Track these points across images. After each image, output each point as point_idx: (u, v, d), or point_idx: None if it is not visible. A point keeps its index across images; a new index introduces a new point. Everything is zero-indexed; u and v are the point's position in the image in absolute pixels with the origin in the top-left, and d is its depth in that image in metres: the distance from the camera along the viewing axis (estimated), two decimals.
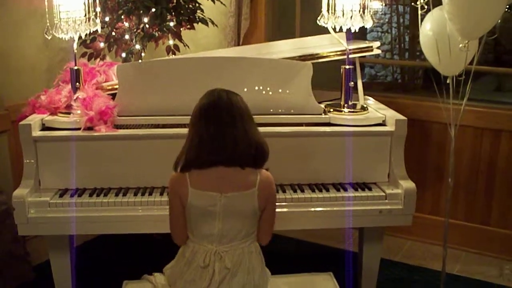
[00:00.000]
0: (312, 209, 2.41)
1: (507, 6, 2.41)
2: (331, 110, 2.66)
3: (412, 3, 2.57)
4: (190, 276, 1.96)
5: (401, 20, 5.71)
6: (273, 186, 2.00)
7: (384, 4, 5.58)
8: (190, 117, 1.99)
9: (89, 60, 3.16)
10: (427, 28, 2.59)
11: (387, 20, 5.86)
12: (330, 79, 3.26)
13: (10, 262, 2.94)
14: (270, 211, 2.01)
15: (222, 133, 1.90)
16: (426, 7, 2.52)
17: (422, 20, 2.62)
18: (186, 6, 3.32)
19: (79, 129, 2.43)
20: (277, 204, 2.25)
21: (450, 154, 2.67)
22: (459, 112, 2.58)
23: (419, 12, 2.56)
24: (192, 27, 3.40)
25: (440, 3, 2.50)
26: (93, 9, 2.52)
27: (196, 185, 1.92)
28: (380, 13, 5.73)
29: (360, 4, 2.50)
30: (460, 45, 2.39)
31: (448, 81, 2.56)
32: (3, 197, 2.90)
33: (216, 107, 1.93)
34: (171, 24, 3.24)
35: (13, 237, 2.92)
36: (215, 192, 1.91)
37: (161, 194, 2.40)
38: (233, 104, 1.94)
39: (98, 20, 2.57)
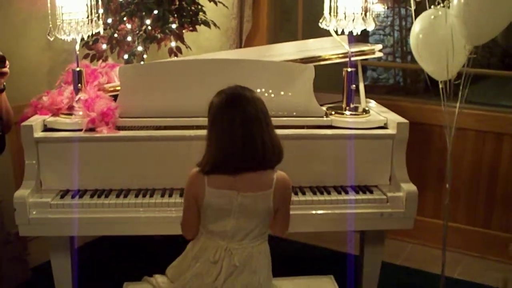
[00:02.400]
0: (314, 212, 2.40)
1: None
2: (333, 112, 2.66)
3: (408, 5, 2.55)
4: (197, 270, 1.95)
5: (404, 23, 5.71)
6: (290, 186, 1.99)
7: (386, 7, 5.58)
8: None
9: (91, 61, 3.16)
10: (416, 30, 2.57)
11: (389, 23, 5.86)
12: (332, 81, 3.26)
13: (4, 263, 2.93)
14: (284, 211, 2.00)
15: (253, 140, 1.86)
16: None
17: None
18: (189, 8, 3.33)
19: (80, 130, 2.43)
20: None
21: (448, 158, 2.65)
22: (455, 115, 2.57)
23: (413, 10, 2.55)
24: (194, 29, 3.41)
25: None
26: (95, 10, 2.52)
27: (213, 184, 1.91)
28: (383, 16, 5.73)
29: (362, 7, 2.50)
30: (467, 52, 2.39)
31: (441, 86, 2.55)
32: None
33: (244, 108, 1.88)
34: (173, 26, 3.25)
35: (6, 238, 2.92)
36: (232, 190, 1.90)
37: (162, 195, 2.40)
38: (258, 105, 1.91)
39: (100, 22, 2.57)
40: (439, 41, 2.45)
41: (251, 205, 1.92)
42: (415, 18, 2.56)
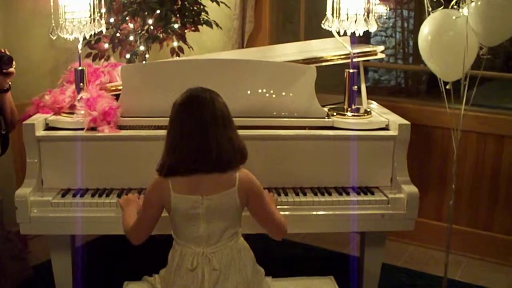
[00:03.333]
0: (314, 213, 2.40)
1: None
2: (335, 113, 2.65)
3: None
4: (182, 281, 1.95)
5: (405, 25, 5.71)
6: (253, 181, 1.98)
7: (388, 9, 5.59)
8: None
9: (93, 60, 3.17)
10: (425, 32, 2.57)
11: (391, 24, 5.86)
12: (333, 82, 3.26)
13: (4, 261, 2.93)
14: (258, 204, 2.00)
15: (207, 141, 1.87)
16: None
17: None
18: (191, 8, 3.33)
19: (82, 129, 2.43)
20: (279, 207, 2.26)
21: (454, 159, 2.65)
22: (459, 117, 2.58)
23: (426, 10, 2.55)
24: (197, 29, 3.41)
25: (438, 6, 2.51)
26: (98, 10, 2.52)
27: (177, 189, 1.92)
28: (385, 17, 5.73)
29: (364, 8, 2.50)
30: (481, 52, 2.41)
31: (448, 87, 2.55)
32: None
33: (189, 110, 1.90)
34: (176, 26, 3.25)
35: (5, 236, 2.92)
36: (196, 195, 1.91)
37: None
38: (216, 107, 1.91)
39: (103, 21, 2.57)
40: (453, 41, 2.45)
41: (218, 206, 1.93)
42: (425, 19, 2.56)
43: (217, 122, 1.90)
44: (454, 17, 2.45)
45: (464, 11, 2.42)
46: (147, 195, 2.02)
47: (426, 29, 2.54)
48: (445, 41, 2.49)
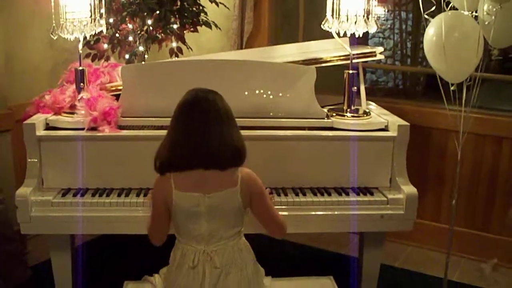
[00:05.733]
0: (313, 213, 2.41)
1: None
2: (334, 114, 2.66)
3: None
4: (183, 280, 1.96)
5: (403, 26, 5.72)
6: (256, 180, 2.00)
7: (386, 10, 5.60)
8: None
9: (92, 61, 3.17)
10: (430, 33, 2.59)
11: (389, 26, 5.87)
12: (333, 83, 3.26)
13: (3, 261, 2.93)
14: (261, 204, 2.01)
15: (208, 137, 1.90)
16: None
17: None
18: (190, 8, 3.34)
19: (83, 129, 2.44)
20: (278, 207, 2.26)
21: (458, 161, 2.67)
22: (466, 119, 2.60)
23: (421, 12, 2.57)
24: (196, 30, 3.42)
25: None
26: (98, 10, 2.53)
27: (179, 187, 1.93)
28: (382, 19, 5.74)
29: (364, 9, 2.51)
30: (493, 55, 2.46)
31: (452, 88, 2.57)
32: (2, 195, 2.88)
33: (192, 108, 1.93)
34: (175, 26, 3.26)
35: (8, 237, 2.92)
36: (198, 193, 1.93)
37: None
38: (219, 106, 1.94)
39: (103, 21, 2.58)
40: (462, 42, 2.49)
41: (219, 205, 1.94)
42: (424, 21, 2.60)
43: (221, 120, 1.93)
44: (467, 15, 2.49)
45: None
46: (152, 194, 2.03)
47: (433, 30, 2.56)
48: (455, 41, 2.51)
